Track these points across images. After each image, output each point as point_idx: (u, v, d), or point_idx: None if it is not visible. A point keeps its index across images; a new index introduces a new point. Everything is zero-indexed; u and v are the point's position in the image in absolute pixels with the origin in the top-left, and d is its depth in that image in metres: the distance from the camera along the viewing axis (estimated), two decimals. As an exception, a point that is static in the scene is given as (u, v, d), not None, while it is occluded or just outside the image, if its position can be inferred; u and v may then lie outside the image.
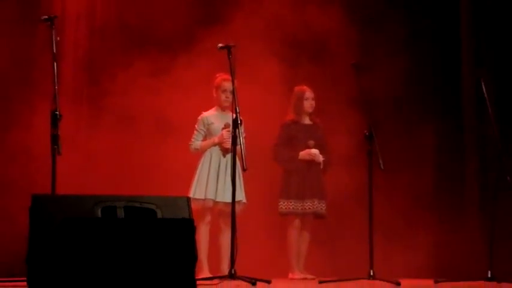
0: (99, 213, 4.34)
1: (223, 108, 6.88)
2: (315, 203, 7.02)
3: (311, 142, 7.03)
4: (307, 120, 7.19)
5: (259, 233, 7.51)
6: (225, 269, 6.48)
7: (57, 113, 5.45)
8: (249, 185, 6.86)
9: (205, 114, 6.92)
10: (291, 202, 7.02)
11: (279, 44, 7.85)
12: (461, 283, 6.10)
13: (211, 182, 6.72)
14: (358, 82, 6.63)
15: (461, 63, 8.34)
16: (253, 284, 5.60)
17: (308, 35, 8.03)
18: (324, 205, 7.08)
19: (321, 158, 7.03)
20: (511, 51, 8.17)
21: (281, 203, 7.05)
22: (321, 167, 7.05)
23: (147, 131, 7.73)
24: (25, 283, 4.39)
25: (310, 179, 7.03)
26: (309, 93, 7.15)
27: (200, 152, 6.86)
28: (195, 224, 4.24)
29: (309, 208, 7.01)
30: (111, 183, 7.20)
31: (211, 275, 6.43)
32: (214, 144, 6.80)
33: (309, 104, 7.14)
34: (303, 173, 7.03)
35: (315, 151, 7.00)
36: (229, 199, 6.29)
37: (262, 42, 7.73)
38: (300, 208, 7.01)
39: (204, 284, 5.39)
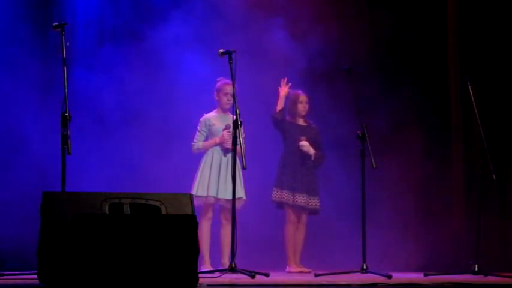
0: (106, 209, 4.36)
1: (224, 110, 6.91)
2: (305, 197, 7.05)
3: (303, 138, 7.08)
4: (301, 122, 7.24)
5: (258, 229, 7.51)
6: (225, 263, 6.51)
7: (67, 114, 5.46)
8: (248, 182, 6.89)
9: (206, 116, 6.96)
10: (283, 192, 7.05)
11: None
12: (449, 276, 6.10)
13: (213, 180, 6.75)
14: (351, 85, 6.63)
15: (448, 68, 8.34)
16: (253, 277, 5.59)
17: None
18: (316, 201, 7.11)
19: (311, 151, 7.08)
20: (494, 58, 8.16)
21: (274, 191, 7.10)
22: (312, 158, 7.09)
23: (152, 132, 7.72)
24: (36, 276, 4.41)
25: (301, 174, 7.08)
26: (302, 97, 7.21)
27: (202, 152, 6.88)
28: (197, 219, 4.24)
29: (300, 202, 7.05)
30: (117, 181, 7.22)
31: (212, 269, 6.45)
32: (216, 144, 6.83)
33: (302, 107, 7.21)
34: (295, 167, 7.08)
35: (304, 143, 7.05)
36: (230, 196, 6.31)
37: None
38: (291, 200, 7.04)
39: (206, 277, 5.38)
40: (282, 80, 7.12)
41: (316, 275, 6.09)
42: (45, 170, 7.01)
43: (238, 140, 6.06)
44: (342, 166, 7.67)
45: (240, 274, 5.79)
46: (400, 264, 7.55)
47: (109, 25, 7.98)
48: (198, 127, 6.93)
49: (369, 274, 6.20)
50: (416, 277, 6.06)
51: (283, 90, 7.11)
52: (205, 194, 6.72)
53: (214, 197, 6.73)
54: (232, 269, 5.88)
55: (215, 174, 6.77)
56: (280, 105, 7.12)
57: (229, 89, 6.68)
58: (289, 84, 7.11)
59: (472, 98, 6.62)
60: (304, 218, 7.15)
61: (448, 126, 8.28)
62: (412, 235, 8.15)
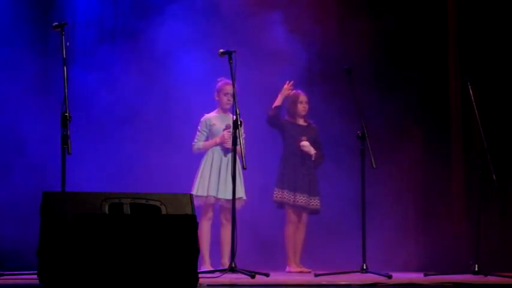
0: (106, 209, 4.35)
1: (224, 110, 6.91)
2: (305, 197, 7.06)
3: (303, 138, 7.08)
4: (301, 122, 7.25)
5: (258, 229, 7.51)
6: (225, 263, 6.50)
7: (67, 114, 5.46)
8: (248, 182, 6.89)
9: (207, 116, 6.96)
10: (284, 192, 7.06)
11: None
12: (449, 276, 6.10)
13: (213, 180, 6.75)
14: (351, 85, 6.63)
15: (448, 68, 8.34)
16: (253, 277, 5.59)
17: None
18: (317, 201, 7.12)
19: (312, 151, 7.09)
20: (494, 58, 8.15)
21: (276, 191, 7.10)
22: (313, 158, 7.11)
23: (152, 132, 7.73)
24: (36, 276, 4.41)
25: (301, 174, 7.09)
26: (302, 97, 7.22)
27: (202, 152, 6.88)
28: (197, 219, 4.24)
29: (300, 202, 7.05)
30: (117, 181, 7.22)
31: (212, 269, 6.45)
32: (216, 144, 6.84)
33: (302, 107, 7.22)
34: (296, 167, 7.09)
35: (305, 143, 7.07)
36: (230, 196, 6.31)
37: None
38: (292, 200, 7.05)
39: (206, 277, 5.38)
40: (288, 82, 7.12)
41: (316, 275, 6.09)
42: (45, 170, 7.02)
43: (238, 140, 6.07)
44: (341, 166, 7.66)
45: (240, 274, 5.79)
46: (400, 264, 7.54)
47: (109, 25, 7.98)
48: (199, 127, 6.93)
49: (369, 274, 6.20)
50: (416, 277, 6.06)
51: (287, 89, 7.10)
52: (205, 194, 6.73)
53: (214, 197, 6.74)
54: (232, 269, 5.89)
55: (215, 174, 6.77)
56: (277, 102, 7.12)
57: (229, 89, 6.68)
58: (292, 82, 7.12)
59: (472, 98, 6.63)
60: (304, 217, 7.15)
61: (448, 126, 8.28)
62: (412, 235, 8.15)
